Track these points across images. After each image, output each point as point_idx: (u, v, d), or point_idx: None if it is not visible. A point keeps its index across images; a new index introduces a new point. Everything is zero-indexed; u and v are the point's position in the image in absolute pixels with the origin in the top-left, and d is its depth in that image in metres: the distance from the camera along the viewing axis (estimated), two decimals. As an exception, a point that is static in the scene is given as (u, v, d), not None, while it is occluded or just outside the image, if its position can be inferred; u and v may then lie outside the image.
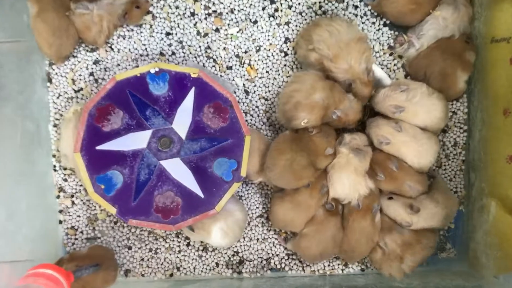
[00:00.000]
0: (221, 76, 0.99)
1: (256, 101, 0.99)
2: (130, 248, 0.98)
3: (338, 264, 1.00)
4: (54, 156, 1.00)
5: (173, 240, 0.99)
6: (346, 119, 0.90)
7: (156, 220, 0.87)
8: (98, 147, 0.87)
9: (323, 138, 0.89)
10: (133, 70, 0.87)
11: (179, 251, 0.99)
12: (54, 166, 1.00)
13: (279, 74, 1.00)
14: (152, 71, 0.86)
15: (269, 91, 0.99)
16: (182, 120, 0.88)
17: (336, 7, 0.97)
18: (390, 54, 1.00)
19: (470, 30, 0.95)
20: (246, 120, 0.98)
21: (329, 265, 1.00)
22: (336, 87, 0.89)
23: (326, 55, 0.88)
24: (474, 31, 0.96)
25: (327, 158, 0.90)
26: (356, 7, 0.98)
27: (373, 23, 0.99)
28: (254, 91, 0.99)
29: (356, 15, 0.98)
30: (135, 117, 0.87)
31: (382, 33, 1.00)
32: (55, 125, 1.00)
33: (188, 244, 0.99)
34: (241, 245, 0.99)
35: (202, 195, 0.88)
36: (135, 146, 0.87)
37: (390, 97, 0.90)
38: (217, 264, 0.99)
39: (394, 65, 1.00)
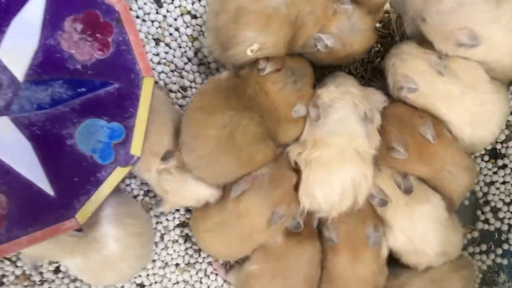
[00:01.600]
0: (107, -33, 0.76)
1: (175, 19, 0.77)
2: (-44, 274, 0.74)
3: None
4: None
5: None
6: (347, 51, 0.63)
7: (-45, 240, 0.60)
8: None
9: (288, 83, 0.62)
10: None
11: (42, 282, 0.76)
12: None
13: (218, -34, 0.77)
14: None
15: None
16: (18, 45, 0.64)
17: None
18: None
19: None
20: (157, 54, 0.75)
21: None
22: None
23: None
24: None
25: (296, 125, 0.63)
26: None
27: None
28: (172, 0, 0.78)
29: None
30: None
31: None
32: None
33: (56, 270, 0.76)
34: (148, 275, 0.77)
35: (51, 191, 0.63)
36: None
37: None
38: (108, 304, 0.76)
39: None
